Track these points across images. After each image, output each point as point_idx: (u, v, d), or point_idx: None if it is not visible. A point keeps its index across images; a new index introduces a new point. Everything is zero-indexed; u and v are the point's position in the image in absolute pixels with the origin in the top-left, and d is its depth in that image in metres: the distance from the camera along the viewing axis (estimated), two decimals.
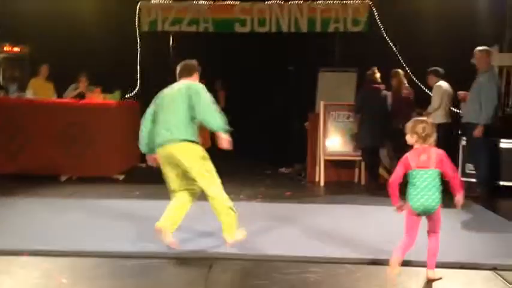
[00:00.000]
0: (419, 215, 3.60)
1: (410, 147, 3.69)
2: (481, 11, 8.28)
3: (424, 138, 3.62)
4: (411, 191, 3.61)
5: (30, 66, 9.03)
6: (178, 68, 4.43)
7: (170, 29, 8.85)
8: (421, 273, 3.57)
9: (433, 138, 3.65)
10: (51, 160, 6.86)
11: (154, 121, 4.21)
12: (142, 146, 4.29)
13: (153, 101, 4.31)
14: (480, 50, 6.30)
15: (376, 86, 6.82)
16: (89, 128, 6.92)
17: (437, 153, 3.59)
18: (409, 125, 3.75)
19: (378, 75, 6.83)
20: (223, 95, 9.34)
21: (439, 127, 6.82)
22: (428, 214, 3.63)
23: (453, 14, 8.32)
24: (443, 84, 6.90)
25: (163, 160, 4.10)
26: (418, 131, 3.64)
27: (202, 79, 9.32)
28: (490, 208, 5.61)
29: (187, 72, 4.39)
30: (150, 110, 4.28)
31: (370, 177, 7.00)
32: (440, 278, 3.51)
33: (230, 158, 8.51)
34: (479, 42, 6.65)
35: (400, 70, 7.22)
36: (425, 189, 3.60)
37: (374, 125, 6.73)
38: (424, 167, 3.58)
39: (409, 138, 3.73)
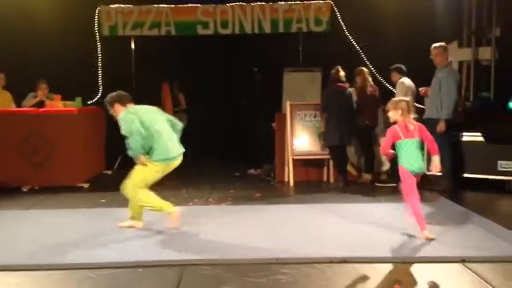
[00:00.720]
0: (415, 175, 4.37)
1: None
2: (439, 8, 8.46)
3: (408, 113, 4.38)
4: (405, 158, 4.37)
5: None
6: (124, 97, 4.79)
7: (131, 33, 8.68)
8: (389, 270, 3.58)
9: (413, 113, 4.43)
10: (12, 170, 6.65)
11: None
12: (139, 151, 4.50)
13: (131, 116, 4.53)
14: (436, 47, 6.43)
15: (341, 84, 6.87)
16: (50, 137, 6.75)
17: (418, 124, 4.44)
18: (392, 103, 4.50)
19: (342, 73, 6.89)
20: (183, 97, 9.26)
21: None
22: (420, 174, 4.43)
23: (413, 11, 8.46)
24: (406, 80, 7.01)
25: (167, 168, 4.60)
26: (403, 107, 4.39)
27: (165, 82, 9.26)
28: (455, 200, 5.71)
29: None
30: (137, 122, 4.51)
31: (338, 174, 7.04)
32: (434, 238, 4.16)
33: (198, 161, 8.48)
34: (439, 38, 6.78)
35: (364, 68, 7.30)
36: (417, 154, 4.38)
37: (340, 123, 6.79)
38: (411, 137, 4.36)
39: (394, 114, 4.45)
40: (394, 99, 4.65)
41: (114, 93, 4.78)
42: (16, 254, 3.90)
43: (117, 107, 4.66)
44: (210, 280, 3.40)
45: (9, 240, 4.31)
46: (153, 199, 4.53)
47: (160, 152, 4.53)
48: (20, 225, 4.82)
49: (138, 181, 4.52)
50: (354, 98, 7.03)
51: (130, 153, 4.56)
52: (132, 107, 4.72)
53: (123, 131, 4.50)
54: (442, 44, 6.47)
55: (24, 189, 6.70)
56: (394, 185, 6.83)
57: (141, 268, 3.62)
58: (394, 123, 4.52)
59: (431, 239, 4.18)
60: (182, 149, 4.72)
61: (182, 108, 9.32)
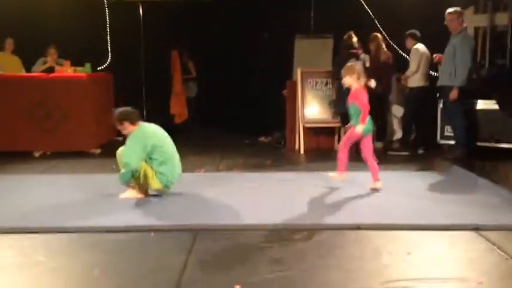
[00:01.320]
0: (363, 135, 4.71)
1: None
2: None
3: (361, 77, 4.59)
4: (356, 120, 4.68)
5: None
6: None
7: None
8: (402, 237, 3.57)
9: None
10: (24, 136, 6.70)
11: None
12: (127, 183, 4.55)
13: (139, 139, 4.48)
14: (450, 12, 6.25)
15: (353, 50, 6.73)
16: (61, 103, 6.75)
17: None
18: (347, 68, 4.65)
19: (354, 39, 6.73)
20: (192, 65, 9.17)
21: (417, 90, 6.86)
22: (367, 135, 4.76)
23: None
24: (421, 47, 6.86)
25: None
26: (359, 70, 4.61)
27: (173, 50, 9.12)
28: (469, 169, 5.65)
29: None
30: (143, 149, 4.46)
31: None
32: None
33: (208, 129, 8.44)
34: (455, 3, 6.59)
35: (378, 34, 7.14)
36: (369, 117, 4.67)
37: (348, 91, 6.67)
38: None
39: (351, 80, 4.62)
40: (347, 64, 4.78)
41: (123, 110, 4.64)
42: (28, 217, 3.93)
43: (127, 125, 4.56)
44: (221, 245, 3.41)
45: (22, 204, 4.34)
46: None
47: (166, 176, 4.50)
48: (33, 190, 4.86)
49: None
50: (367, 64, 6.89)
51: (119, 181, 4.51)
52: (146, 128, 4.62)
53: (124, 157, 4.44)
54: (457, 9, 6.28)
55: (36, 155, 6.74)
56: (407, 153, 6.78)
57: (153, 232, 3.63)
58: (348, 89, 4.72)
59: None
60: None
61: (192, 76, 9.23)
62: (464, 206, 4.27)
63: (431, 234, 3.61)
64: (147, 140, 4.46)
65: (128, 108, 4.67)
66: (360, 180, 5.33)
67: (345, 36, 6.79)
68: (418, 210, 4.16)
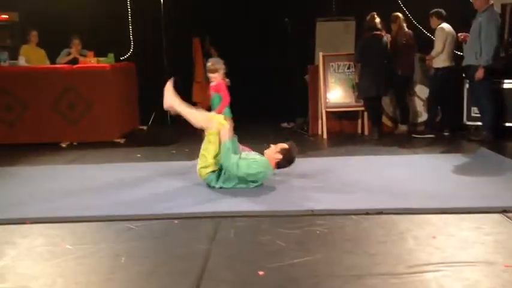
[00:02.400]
0: None
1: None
2: None
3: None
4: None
5: (20, 34, 8.81)
6: None
7: None
8: (428, 221, 3.53)
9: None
10: (50, 127, 6.84)
11: None
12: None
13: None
14: None
15: (377, 32, 6.62)
16: (85, 93, 6.85)
17: None
18: (214, 67, 5.29)
19: (377, 20, 6.62)
20: (214, 52, 9.13)
21: (443, 71, 6.73)
22: None
23: None
24: (446, 26, 6.70)
25: None
26: (223, 67, 5.29)
27: (195, 38, 9.10)
28: (496, 151, 5.53)
29: None
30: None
31: (373, 126, 6.91)
32: None
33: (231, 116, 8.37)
34: None
35: (399, 14, 7.00)
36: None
37: (375, 73, 6.59)
38: None
39: (219, 76, 5.31)
40: (212, 61, 5.39)
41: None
42: (56, 207, 4.01)
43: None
44: (246, 231, 3.43)
45: (49, 193, 4.44)
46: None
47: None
48: (60, 180, 4.96)
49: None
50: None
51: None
52: None
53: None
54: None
55: (63, 145, 6.88)
56: (432, 136, 6.68)
57: (176, 220, 3.67)
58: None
59: None
60: None
61: None
62: (491, 188, 4.19)
63: (457, 218, 3.55)
64: None
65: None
66: (383, 164, 5.29)
67: (368, 18, 6.69)
68: (443, 193, 4.10)
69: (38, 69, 7.09)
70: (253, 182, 4.37)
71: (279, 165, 4.45)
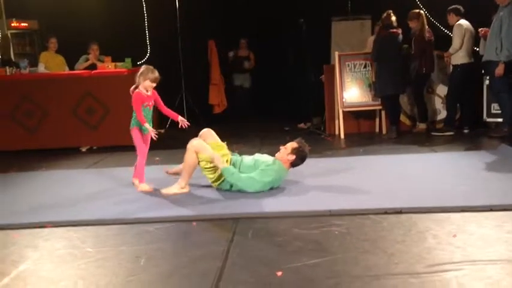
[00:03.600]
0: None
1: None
2: None
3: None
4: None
5: (40, 41, 8.98)
6: None
7: None
8: (448, 219, 3.49)
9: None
10: (70, 132, 6.93)
11: None
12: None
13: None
14: None
15: (393, 30, 6.56)
16: (103, 98, 6.92)
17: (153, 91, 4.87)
18: (147, 73, 4.78)
19: (393, 18, 6.57)
20: (253, 56, 9.13)
21: (461, 67, 6.64)
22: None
23: None
24: (464, 22, 6.61)
25: None
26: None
27: (210, 40, 9.10)
28: None
29: None
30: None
31: (391, 125, 6.85)
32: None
33: (247, 116, 8.46)
34: None
35: (421, 11, 6.91)
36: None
37: (393, 71, 6.53)
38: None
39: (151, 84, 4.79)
40: (144, 68, 4.84)
41: None
42: (77, 210, 4.08)
43: None
44: (264, 232, 3.43)
45: (69, 197, 4.51)
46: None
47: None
48: (80, 184, 5.03)
49: None
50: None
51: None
52: None
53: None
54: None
55: (83, 150, 6.98)
56: (451, 133, 6.60)
57: (194, 222, 3.70)
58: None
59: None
60: None
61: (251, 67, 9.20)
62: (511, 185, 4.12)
63: (478, 216, 3.51)
64: None
65: None
66: (401, 162, 5.24)
67: (384, 16, 6.64)
68: (463, 191, 4.05)
69: (57, 76, 7.20)
70: (268, 188, 4.37)
71: (293, 164, 4.46)
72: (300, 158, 4.45)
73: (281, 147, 4.51)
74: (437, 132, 6.76)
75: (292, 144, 4.46)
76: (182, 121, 4.86)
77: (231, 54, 9.04)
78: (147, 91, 4.76)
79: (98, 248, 3.28)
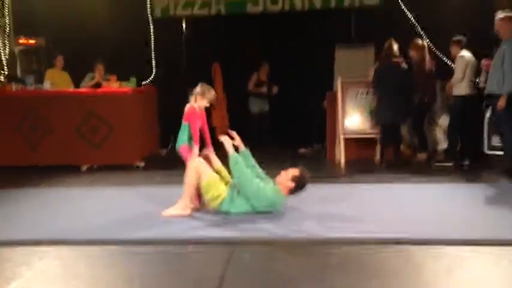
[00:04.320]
0: None
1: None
2: None
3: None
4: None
5: (46, 58, 9.08)
6: None
7: (182, 13, 8.74)
8: (446, 252, 3.46)
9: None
10: (72, 150, 6.94)
11: None
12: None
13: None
14: (500, 18, 6.02)
15: (394, 60, 6.61)
16: (107, 117, 6.95)
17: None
18: (203, 91, 4.76)
19: (395, 47, 6.60)
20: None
21: (462, 99, 6.66)
22: None
23: None
24: (467, 54, 6.67)
25: None
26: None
27: (215, 62, 9.17)
28: None
29: None
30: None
31: (381, 153, 6.85)
32: None
33: (247, 140, 8.41)
34: (503, 7, 6.38)
35: (422, 41, 6.98)
36: None
37: (392, 101, 6.54)
38: None
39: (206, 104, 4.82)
40: (203, 88, 4.78)
41: None
42: (73, 229, 4.07)
43: None
44: (260, 258, 3.41)
45: (66, 216, 4.51)
46: None
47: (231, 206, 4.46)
48: (78, 202, 5.03)
49: None
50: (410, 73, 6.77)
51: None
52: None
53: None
54: (508, 13, 6.05)
55: (83, 168, 6.97)
56: (450, 164, 6.59)
57: (190, 245, 3.68)
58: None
59: None
60: None
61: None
62: (510, 220, 4.09)
63: (475, 250, 3.48)
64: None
65: None
66: (400, 192, 5.23)
67: (386, 45, 6.69)
68: (462, 224, 4.02)
69: (62, 93, 7.25)
70: (264, 206, 4.35)
71: (292, 192, 4.43)
72: (299, 186, 4.40)
73: (282, 171, 4.49)
74: (438, 163, 6.76)
75: (294, 171, 4.43)
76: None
77: (274, 89, 8.65)
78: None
79: (91, 268, 3.26)
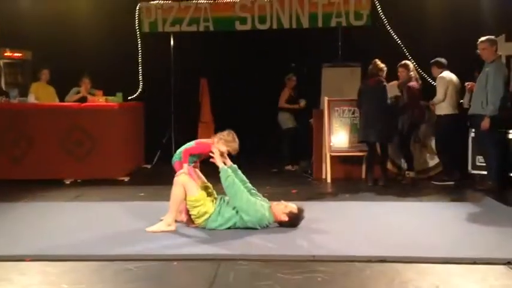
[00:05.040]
0: None
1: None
2: (487, 1, 8.15)
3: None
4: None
5: (32, 71, 9.00)
6: None
7: (170, 29, 8.77)
8: (431, 270, 3.47)
9: None
10: (55, 164, 6.86)
11: None
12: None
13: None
14: (482, 41, 6.17)
15: (375, 78, 6.67)
16: (92, 131, 6.91)
17: None
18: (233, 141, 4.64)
19: (379, 67, 6.67)
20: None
21: (444, 118, 6.76)
22: None
23: (458, 2, 8.19)
24: (447, 74, 6.79)
25: None
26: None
27: (203, 78, 9.17)
28: (501, 201, 5.49)
29: None
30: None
31: (367, 172, 6.89)
32: None
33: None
34: (486, 30, 6.53)
35: (408, 62, 7.08)
36: None
37: (374, 119, 6.58)
38: None
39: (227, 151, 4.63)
40: (230, 136, 4.65)
41: None
42: (56, 245, 3.99)
43: None
44: (245, 276, 3.38)
45: (50, 231, 4.42)
46: None
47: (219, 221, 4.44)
48: (61, 217, 4.95)
49: None
50: (394, 92, 6.85)
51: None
52: None
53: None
54: (490, 37, 6.19)
55: (67, 182, 6.89)
56: (451, 183, 6.61)
57: (176, 261, 3.63)
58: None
59: None
60: None
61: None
62: (496, 239, 4.13)
63: (461, 268, 3.49)
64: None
65: None
66: (387, 210, 5.24)
67: (371, 66, 6.76)
68: (448, 242, 4.04)
69: (46, 107, 7.19)
70: (252, 221, 4.33)
71: (281, 224, 4.45)
72: (291, 224, 4.43)
73: (282, 201, 4.51)
74: (437, 182, 6.77)
75: (293, 208, 4.45)
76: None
77: (302, 103, 8.34)
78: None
79: (74, 284, 3.19)
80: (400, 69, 6.93)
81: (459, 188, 6.46)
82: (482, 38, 6.18)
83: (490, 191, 6.00)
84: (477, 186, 6.39)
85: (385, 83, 6.69)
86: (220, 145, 4.61)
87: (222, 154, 4.57)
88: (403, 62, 7.03)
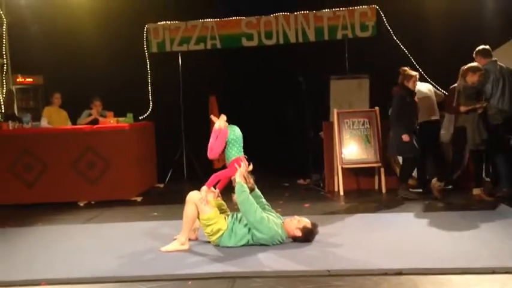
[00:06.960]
0: None
1: None
2: (491, 10, 8.16)
3: None
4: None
5: (44, 96, 9.16)
6: None
7: (178, 49, 8.88)
8: (448, 282, 3.42)
9: None
10: (68, 187, 6.92)
11: None
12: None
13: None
14: (477, 51, 6.21)
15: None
16: (104, 153, 6.96)
17: None
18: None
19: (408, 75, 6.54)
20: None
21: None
22: None
23: (461, 14, 8.21)
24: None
25: None
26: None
27: (212, 95, 9.24)
28: None
29: None
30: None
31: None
32: None
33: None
34: (491, 37, 6.54)
35: (413, 71, 7.05)
36: None
37: (391, 132, 6.62)
38: None
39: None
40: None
41: None
42: (71, 268, 4.01)
43: None
44: None
45: (64, 254, 4.45)
46: None
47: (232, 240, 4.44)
48: (76, 240, 4.98)
49: None
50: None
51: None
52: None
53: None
54: (485, 47, 6.18)
55: (81, 204, 6.93)
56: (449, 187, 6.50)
57: (190, 281, 3.62)
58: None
59: None
60: None
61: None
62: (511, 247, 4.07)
63: (479, 278, 3.44)
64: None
65: None
66: (401, 221, 5.20)
67: (400, 77, 6.55)
68: (464, 252, 3.99)
69: (59, 130, 7.27)
70: (265, 238, 4.32)
71: (294, 240, 4.45)
72: (304, 239, 4.42)
73: (296, 217, 4.50)
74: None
75: (307, 223, 4.44)
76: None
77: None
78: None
79: None
80: (405, 78, 6.86)
81: (473, 196, 6.35)
82: (478, 48, 6.21)
83: (505, 197, 5.93)
84: (493, 192, 6.31)
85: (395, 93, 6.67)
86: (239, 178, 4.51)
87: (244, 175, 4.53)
88: (408, 71, 6.85)
